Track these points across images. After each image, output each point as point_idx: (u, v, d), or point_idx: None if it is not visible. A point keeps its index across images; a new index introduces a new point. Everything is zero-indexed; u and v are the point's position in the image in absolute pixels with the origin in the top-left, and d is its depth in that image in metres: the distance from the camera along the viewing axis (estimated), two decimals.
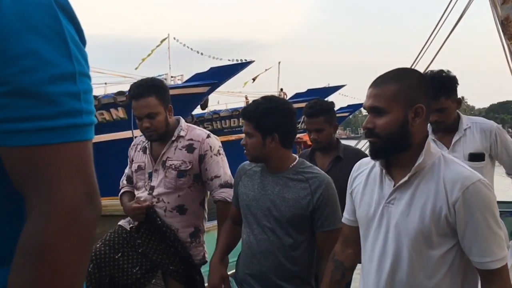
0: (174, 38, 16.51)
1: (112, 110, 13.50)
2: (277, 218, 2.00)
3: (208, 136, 2.50)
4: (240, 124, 14.73)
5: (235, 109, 18.33)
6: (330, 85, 23.20)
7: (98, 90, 14.19)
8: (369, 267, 1.55)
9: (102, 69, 14.95)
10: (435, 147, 1.52)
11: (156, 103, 2.39)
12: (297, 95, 21.69)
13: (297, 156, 2.14)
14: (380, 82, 1.47)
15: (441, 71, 2.50)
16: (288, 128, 2.05)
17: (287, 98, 21.29)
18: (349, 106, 29.62)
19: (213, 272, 2.17)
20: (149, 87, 2.39)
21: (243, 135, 2.09)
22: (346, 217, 1.75)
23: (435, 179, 1.42)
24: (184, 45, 17.09)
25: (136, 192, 2.58)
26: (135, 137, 2.74)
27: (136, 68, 16.63)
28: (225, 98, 19.65)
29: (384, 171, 1.52)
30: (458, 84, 2.50)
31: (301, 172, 2.04)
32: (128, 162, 2.69)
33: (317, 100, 2.83)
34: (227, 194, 2.43)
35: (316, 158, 2.82)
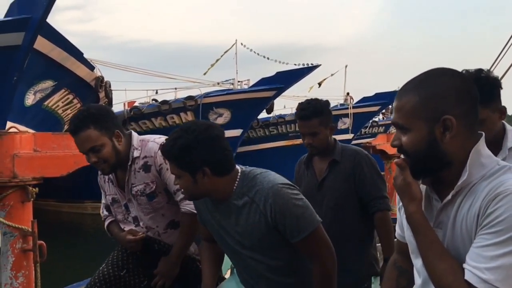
0: (242, 44, 16.75)
1: (181, 114, 14.07)
2: (248, 246, 1.85)
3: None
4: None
5: None
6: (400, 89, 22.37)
7: (169, 95, 14.96)
8: None
9: (173, 74, 15.55)
10: (489, 156, 1.22)
11: (97, 135, 2.13)
12: (364, 99, 21.17)
13: (238, 170, 1.85)
14: (401, 92, 1.25)
15: (479, 70, 1.88)
16: (218, 157, 1.77)
17: (354, 103, 20.94)
18: None
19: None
20: (84, 118, 2.13)
21: None
22: (398, 232, 1.52)
23: (472, 197, 1.17)
24: (251, 50, 17.27)
25: (121, 226, 2.48)
26: None
27: (204, 74, 17.08)
28: (291, 103, 19.63)
29: (428, 188, 1.29)
30: (501, 88, 1.92)
31: (245, 193, 1.81)
32: (102, 192, 2.53)
33: (310, 100, 2.58)
34: (192, 205, 2.21)
35: (314, 163, 2.64)
